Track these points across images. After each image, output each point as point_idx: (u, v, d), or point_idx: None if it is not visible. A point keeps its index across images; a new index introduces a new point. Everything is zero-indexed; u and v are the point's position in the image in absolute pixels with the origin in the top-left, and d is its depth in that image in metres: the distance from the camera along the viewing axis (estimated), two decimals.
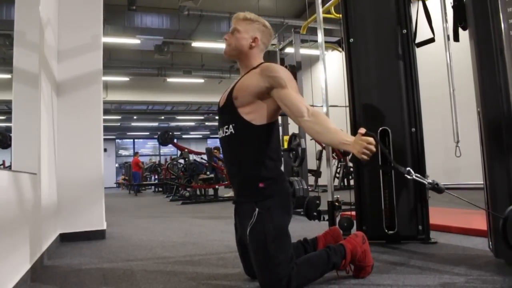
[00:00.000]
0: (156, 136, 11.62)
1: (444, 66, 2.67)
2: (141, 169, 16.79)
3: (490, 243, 2.04)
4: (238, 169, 1.84)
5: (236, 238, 1.94)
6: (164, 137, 10.45)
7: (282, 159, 1.86)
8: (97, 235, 3.45)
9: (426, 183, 1.66)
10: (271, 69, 1.78)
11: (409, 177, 1.72)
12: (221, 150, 1.95)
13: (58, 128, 3.36)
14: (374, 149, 1.58)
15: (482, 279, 1.77)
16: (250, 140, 1.78)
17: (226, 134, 1.83)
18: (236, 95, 1.80)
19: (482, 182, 2.04)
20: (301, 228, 3.39)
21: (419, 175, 1.72)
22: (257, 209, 1.73)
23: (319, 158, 9.94)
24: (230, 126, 1.81)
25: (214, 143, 26.93)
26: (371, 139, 1.58)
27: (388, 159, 1.64)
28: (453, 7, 2.22)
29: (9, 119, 17.49)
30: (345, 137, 1.65)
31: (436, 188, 1.63)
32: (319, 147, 9.77)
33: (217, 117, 2.00)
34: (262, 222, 1.71)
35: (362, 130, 1.63)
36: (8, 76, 11.80)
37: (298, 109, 1.71)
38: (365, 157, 1.57)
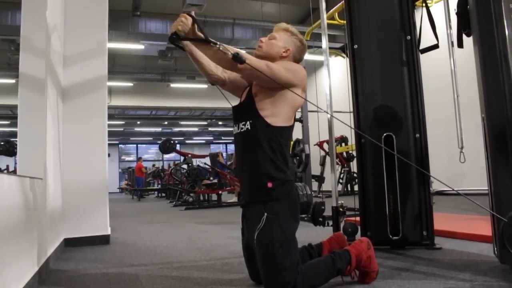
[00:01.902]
0: (160, 142, 11.70)
1: (447, 71, 2.68)
2: (144, 174, 16.83)
3: (495, 249, 2.03)
4: (249, 165, 1.85)
5: (243, 242, 1.94)
6: (166, 146, 10.49)
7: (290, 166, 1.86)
8: (101, 240, 3.46)
9: (230, 53, 1.71)
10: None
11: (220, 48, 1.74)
12: (234, 146, 1.96)
13: (63, 133, 3.38)
14: (186, 20, 1.77)
15: (487, 285, 1.77)
16: (264, 139, 1.78)
17: (242, 130, 1.85)
18: (255, 92, 1.84)
19: (486, 188, 2.04)
20: (305, 234, 3.39)
21: (227, 47, 1.73)
22: (265, 214, 1.73)
23: (322, 163, 9.95)
24: (247, 122, 1.83)
25: (217, 148, 26.95)
26: (185, 15, 1.78)
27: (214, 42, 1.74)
28: (457, 13, 2.23)
29: (13, 124, 17.58)
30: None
31: (237, 57, 1.70)
32: (322, 153, 9.79)
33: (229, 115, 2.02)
34: (270, 227, 1.71)
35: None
36: (13, 81, 11.86)
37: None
38: (179, 27, 1.75)
